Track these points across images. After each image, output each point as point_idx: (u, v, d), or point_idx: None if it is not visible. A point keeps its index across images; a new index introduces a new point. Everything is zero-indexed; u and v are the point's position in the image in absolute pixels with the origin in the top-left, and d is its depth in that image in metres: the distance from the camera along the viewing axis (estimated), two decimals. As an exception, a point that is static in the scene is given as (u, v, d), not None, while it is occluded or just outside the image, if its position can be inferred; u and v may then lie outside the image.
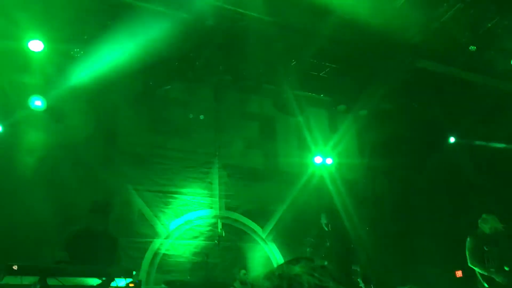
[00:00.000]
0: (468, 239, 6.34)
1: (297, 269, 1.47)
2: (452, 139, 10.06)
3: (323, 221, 7.63)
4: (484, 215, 6.50)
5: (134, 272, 4.32)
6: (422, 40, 8.21)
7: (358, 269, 7.03)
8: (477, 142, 9.99)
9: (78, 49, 7.28)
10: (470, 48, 7.91)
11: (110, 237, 5.33)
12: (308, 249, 7.44)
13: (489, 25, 7.81)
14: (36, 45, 7.04)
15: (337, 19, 7.24)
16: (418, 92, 9.71)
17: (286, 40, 7.97)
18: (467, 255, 6.27)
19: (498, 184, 8.91)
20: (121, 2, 6.95)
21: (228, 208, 8.68)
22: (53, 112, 7.43)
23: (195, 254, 8.06)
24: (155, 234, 7.99)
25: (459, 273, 8.76)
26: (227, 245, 8.19)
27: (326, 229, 7.33)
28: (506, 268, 5.99)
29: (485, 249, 6.16)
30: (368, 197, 9.69)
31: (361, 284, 6.67)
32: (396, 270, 8.87)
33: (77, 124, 7.60)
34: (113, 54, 7.23)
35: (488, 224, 6.35)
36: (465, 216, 8.08)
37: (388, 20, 7.63)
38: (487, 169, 9.60)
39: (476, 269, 6.22)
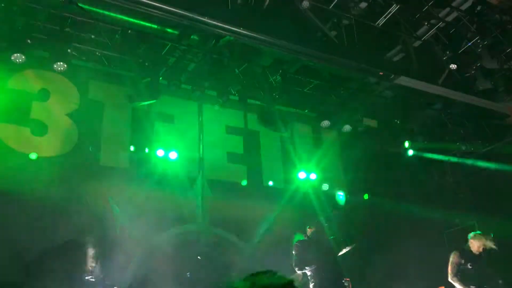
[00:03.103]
0: (453, 253, 6.34)
1: (260, 276, 1.66)
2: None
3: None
4: (474, 233, 6.47)
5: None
6: (403, 58, 8.38)
7: (346, 284, 7.03)
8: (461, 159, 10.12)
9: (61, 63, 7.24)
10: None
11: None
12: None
13: (470, 44, 8.02)
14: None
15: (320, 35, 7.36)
16: (401, 108, 9.87)
17: (271, 56, 8.06)
18: (449, 269, 6.28)
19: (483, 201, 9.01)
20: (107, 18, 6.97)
21: (212, 222, 8.62)
22: (35, 126, 7.36)
23: (177, 269, 7.96)
24: (137, 250, 7.88)
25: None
26: (210, 260, 8.11)
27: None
28: (486, 287, 6.02)
29: (469, 266, 6.17)
30: (351, 213, 9.72)
31: None
32: (379, 286, 8.88)
33: (59, 138, 7.55)
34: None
35: (478, 243, 6.33)
36: (448, 231, 8.16)
37: (371, 38, 7.79)
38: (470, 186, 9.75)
39: (456, 285, 6.24)
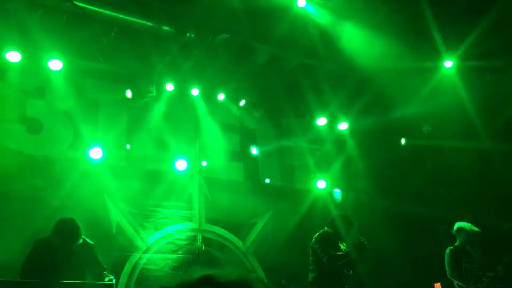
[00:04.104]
0: (447, 251, 6.35)
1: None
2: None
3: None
4: (458, 224, 6.47)
5: (114, 286, 4.25)
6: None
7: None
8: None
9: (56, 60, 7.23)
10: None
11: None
12: None
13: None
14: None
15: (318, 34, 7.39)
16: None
17: (266, 53, 8.07)
18: (446, 267, 6.29)
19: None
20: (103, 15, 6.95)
21: (208, 221, 8.61)
22: (30, 124, 7.34)
23: (174, 268, 7.96)
24: (133, 248, 7.87)
25: (438, 286, 8.81)
26: (206, 259, 8.11)
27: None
28: (484, 279, 6.03)
29: (464, 261, 6.19)
30: (346, 208, 9.73)
31: None
32: (374, 283, 8.89)
33: (54, 136, 7.53)
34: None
35: (464, 232, 6.33)
36: (444, 227, 8.17)
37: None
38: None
39: (455, 281, 6.24)
